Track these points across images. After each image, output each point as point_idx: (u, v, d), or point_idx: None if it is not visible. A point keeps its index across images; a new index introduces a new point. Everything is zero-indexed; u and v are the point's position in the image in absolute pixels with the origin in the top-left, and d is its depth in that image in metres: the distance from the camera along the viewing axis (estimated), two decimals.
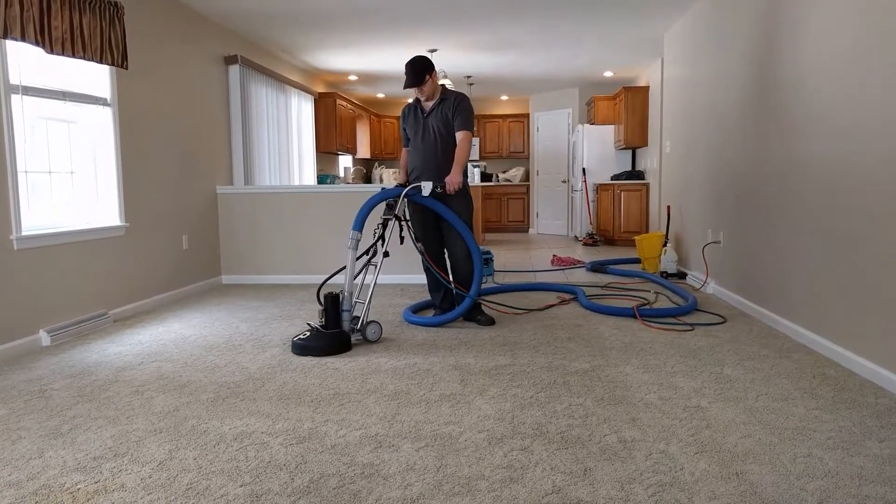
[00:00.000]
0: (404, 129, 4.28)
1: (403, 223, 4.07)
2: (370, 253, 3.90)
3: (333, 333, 3.57)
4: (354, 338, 3.72)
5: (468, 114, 4.08)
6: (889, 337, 2.83)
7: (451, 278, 4.26)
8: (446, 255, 4.31)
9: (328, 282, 4.14)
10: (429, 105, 4.14)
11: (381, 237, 3.94)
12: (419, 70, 4.00)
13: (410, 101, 4.25)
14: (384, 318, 4.43)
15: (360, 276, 3.91)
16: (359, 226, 3.79)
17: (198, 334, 4.08)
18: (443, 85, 4.30)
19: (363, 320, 3.74)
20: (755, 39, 4.35)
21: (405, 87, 4.06)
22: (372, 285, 3.87)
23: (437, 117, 4.11)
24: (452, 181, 3.97)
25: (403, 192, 3.98)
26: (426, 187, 3.96)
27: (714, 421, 2.50)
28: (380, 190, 4.22)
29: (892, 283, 2.80)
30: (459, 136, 4.06)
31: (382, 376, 3.13)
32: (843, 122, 3.20)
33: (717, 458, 2.17)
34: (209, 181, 5.95)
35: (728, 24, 4.91)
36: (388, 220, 3.99)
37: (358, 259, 3.82)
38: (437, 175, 4.07)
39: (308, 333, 3.58)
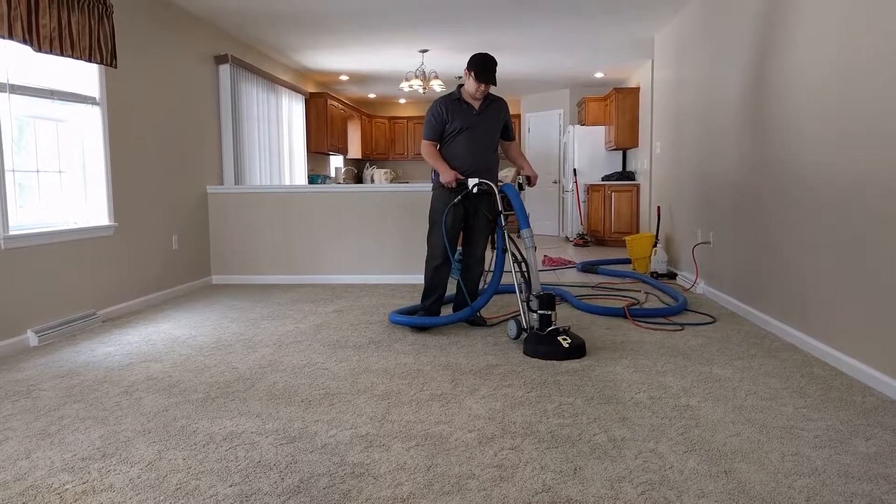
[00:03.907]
0: (443, 123, 4.03)
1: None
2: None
3: (576, 335, 3.47)
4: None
5: None
6: (876, 336, 2.86)
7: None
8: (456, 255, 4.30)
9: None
10: (477, 103, 4.05)
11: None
12: (496, 70, 3.97)
13: (449, 94, 4.09)
14: (375, 319, 4.43)
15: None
16: (527, 223, 3.69)
17: (187, 334, 4.06)
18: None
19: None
20: (746, 42, 4.38)
21: (482, 80, 3.90)
22: (537, 276, 3.76)
23: (490, 116, 4.07)
24: (537, 175, 4.21)
25: (516, 187, 3.96)
26: (523, 183, 4.08)
27: (703, 420, 2.51)
28: (474, 189, 4.00)
29: (879, 283, 2.83)
30: (515, 143, 4.32)
31: (373, 376, 3.13)
32: (832, 125, 3.23)
33: (706, 456, 2.19)
34: (199, 181, 5.92)
35: (718, 27, 4.94)
36: (489, 220, 4.00)
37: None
38: (490, 172, 4.06)
39: (567, 338, 3.39)
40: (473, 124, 4.02)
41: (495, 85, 4.00)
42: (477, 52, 4.02)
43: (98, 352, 3.67)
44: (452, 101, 4.05)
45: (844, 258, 3.10)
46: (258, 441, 2.36)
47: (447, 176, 3.95)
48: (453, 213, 4.02)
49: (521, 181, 4.07)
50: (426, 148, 4.10)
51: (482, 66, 3.90)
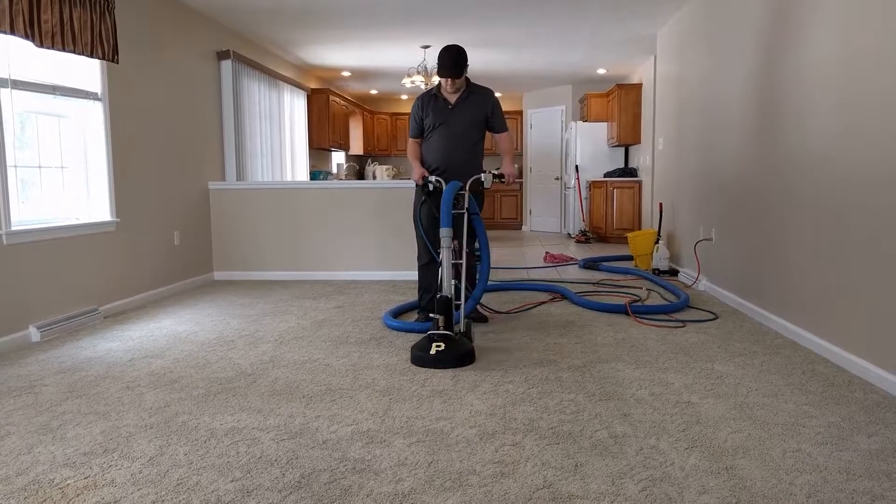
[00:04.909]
0: (421, 120, 4.04)
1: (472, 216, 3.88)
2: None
3: (462, 341, 3.29)
4: None
5: (503, 113, 4.12)
6: (878, 333, 2.85)
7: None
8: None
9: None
10: (454, 97, 3.97)
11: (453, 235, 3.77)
12: (459, 62, 3.84)
13: (430, 87, 3.98)
14: (377, 315, 4.43)
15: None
16: (449, 222, 3.53)
17: (189, 330, 4.06)
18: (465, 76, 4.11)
19: (462, 322, 3.52)
20: (750, 37, 4.36)
21: (440, 75, 3.86)
22: (462, 286, 3.64)
23: (466, 110, 3.97)
24: (512, 173, 4.03)
25: (468, 185, 3.81)
26: (487, 179, 3.88)
27: (704, 416, 2.51)
28: (427, 186, 3.94)
29: (882, 281, 2.82)
30: (504, 136, 4.11)
31: (374, 372, 3.13)
32: (837, 120, 3.22)
33: (708, 453, 2.18)
34: (201, 177, 5.92)
35: (722, 22, 4.92)
36: (457, 214, 3.78)
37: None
38: (466, 169, 3.94)
39: (442, 345, 3.22)
40: (447, 119, 3.97)
41: (457, 77, 3.86)
42: (459, 45, 3.91)
43: (100, 347, 3.67)
44: (430, 97, 4.02)
45: (847, 254, 3.09)
46: (259, 437, 2.36)
47: (414, 174, 3.99)
48: (426, 211, 3.99)
49: (480, 178, 3.89)
50: (408, 146, 4.15)
51: (440, 61, 3.83)
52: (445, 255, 3.51)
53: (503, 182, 4.03)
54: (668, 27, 6.52)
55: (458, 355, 3.20)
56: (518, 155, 11.70)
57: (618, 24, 6.46)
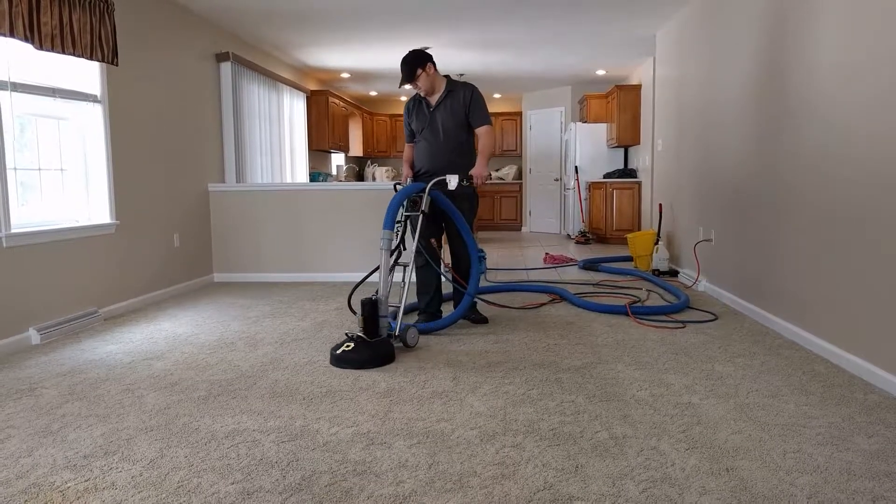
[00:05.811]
0: (408, 124, 4.10)
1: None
2: (396, 254, 3.70)
3: (378, 343, 3.30)
4: (394, 344, 3.48)
5: (484, 106, 3.99)
6: (878, 334, 2.85)
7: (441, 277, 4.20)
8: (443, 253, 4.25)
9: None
10: (434, 98, 3.96)
11: (403, 237, 3.79)
12: (410, 65, 3.86)
13: (416, 91, 4.01)
14: None
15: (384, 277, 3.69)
16: (391, 225, 3.57)
17: (189, 332, 4.06)
18: (447, 76, 4.10)
19: (399, 325, 3.55)
20: (750, 38, 4.36)
21: (399, 84, 3.97)
22: (405, 288, 3.66)
23: (445, 111, 3.95)
24: (480, 174, 3.88)
25: (428, 187, 3.78)
26: (452, 181, 3.76)
27: (705, 417, 2.51)
28: (396, 188, 4.02)
29: (882, 281, 2.82)
30: (482, 130, 3.98)
31: (374, 374, 3.13)
32: (837, 120, 3.22)
33: (708, 453, 2.19)
34: (201, 179, 5.92)
35: (721, 23, 4.92)
36: (413, 216, 3.78)
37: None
38: (452, 170, 3.89)
39: (351, 345, 3.27)
40: (428, 123, 3.99)
41: (409, 82, 3.90)
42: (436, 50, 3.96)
43: (100, 350, 3.67)
44: (415, 102, 4.06)
45: (846, 255, 3.09)
46: (260, 439, 2.36)
47: (402, 178, 4.10)
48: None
49: (444, 180, 3.83)
50: (404, 151, 4.23)
51: (401, 69, 3.90)
52: (383, 258, 3.54)
53: (471, 184, 3.93)
54: (667, 28, 6.53)
55: (365, 357, 3.23)
56: (517, 156, 11.72)
57: (617, 25, 6.47)
